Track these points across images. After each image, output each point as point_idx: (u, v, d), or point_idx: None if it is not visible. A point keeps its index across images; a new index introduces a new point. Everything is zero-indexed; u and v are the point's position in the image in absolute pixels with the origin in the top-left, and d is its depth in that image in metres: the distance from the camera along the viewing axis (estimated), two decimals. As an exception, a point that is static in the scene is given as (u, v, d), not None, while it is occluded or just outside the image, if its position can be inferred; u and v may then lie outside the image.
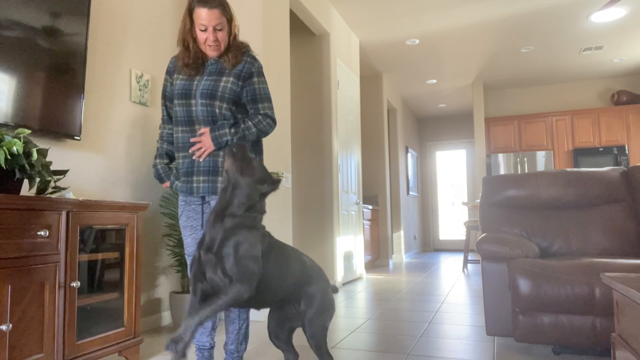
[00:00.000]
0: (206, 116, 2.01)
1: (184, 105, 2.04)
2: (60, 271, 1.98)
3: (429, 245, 10.66)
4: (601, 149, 7.56)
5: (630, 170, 2.86)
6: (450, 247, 10.55)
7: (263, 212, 1.73)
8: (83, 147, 2.76)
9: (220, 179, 2.03)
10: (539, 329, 2.23)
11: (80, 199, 2.08)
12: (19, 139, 1.90)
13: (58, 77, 2.48)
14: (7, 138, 1.86)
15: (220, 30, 1.98)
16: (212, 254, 1.57)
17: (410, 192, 9.35)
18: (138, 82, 3.18)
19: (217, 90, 2.01)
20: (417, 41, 6.30)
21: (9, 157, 1.83)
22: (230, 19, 2.02)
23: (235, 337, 2.07)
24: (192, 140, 2.03)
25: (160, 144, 2.20)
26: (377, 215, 7.42)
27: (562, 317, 2.20)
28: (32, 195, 2.07)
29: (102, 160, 2.89)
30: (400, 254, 8.20)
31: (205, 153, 2.01)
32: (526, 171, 6.08)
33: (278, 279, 1.73)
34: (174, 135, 2.10)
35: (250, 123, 2.05)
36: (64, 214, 2.01)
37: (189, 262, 2.10)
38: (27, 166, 1.89)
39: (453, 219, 10.60)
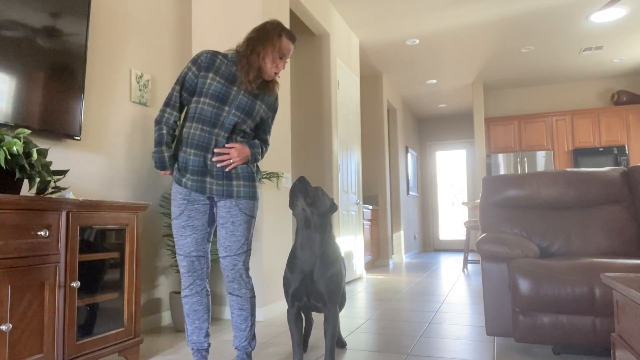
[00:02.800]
0: (231, 126, 2.07)
1: (215, 107, 2.05)
2: (60, 271, 1.99)
3: (429, 245, 10.66)
4: (601, 149, 7.56)
5: (630, 170, 2.86)
6: (450, 247, 10.55)
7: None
8: (83, 147, 2.76)
9: (235, 182, 2.09)
10: (539, 329, 2.23)
11: (80, 199, 2.08)
12: (19, 139, 1.90)
13: (58, 77, 2.48)
14: (7, 138, 1.86)
15: (285, 61, 2.19)
16: (318, 291, 2.07)
17: (410, 192, 9.35)
18: (138, 82, 3.18)
19: (254, 111, 2.14)
20: (417, 41, 6.30)
21: (9, 157, 1.83)
22: None
23: (247, 334, 2.13)
24: (226, 147, 2.08)
25: (167, 130, 2.08)
26: (377, 215, 7.42)
27: (562, 317, 2.20)
28: (32, 195, 2.07)
29: (102, 160, 2.89)
30: (400, 254, 8.20)
31: (233, 165, 2.08)
32: (526, 171, 6.08)
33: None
34: (189, 131, 2.06)
35: (264, 149, 2.30)
36: (64, 214, 2.01)
37: (182, 263, 2.10)
38: (27, 166, 1.89)
39: (453, 219, 10.60)
